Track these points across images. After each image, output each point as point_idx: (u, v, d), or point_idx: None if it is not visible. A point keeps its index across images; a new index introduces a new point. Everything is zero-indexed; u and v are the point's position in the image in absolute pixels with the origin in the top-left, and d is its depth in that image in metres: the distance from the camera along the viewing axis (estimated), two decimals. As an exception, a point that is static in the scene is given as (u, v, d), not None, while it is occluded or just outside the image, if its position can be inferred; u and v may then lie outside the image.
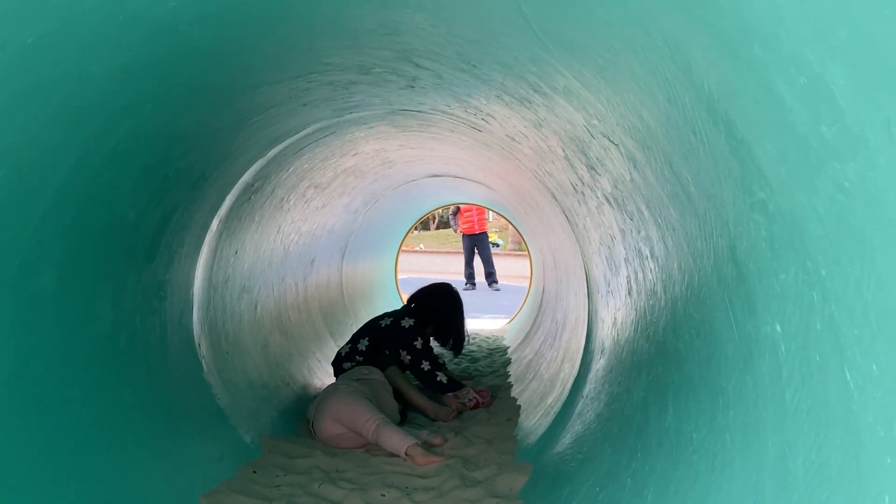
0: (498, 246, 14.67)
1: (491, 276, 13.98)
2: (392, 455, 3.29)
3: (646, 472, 1.82)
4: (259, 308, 4.19)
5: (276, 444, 3.32)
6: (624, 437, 2.13)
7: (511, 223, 8.96)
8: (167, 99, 2.15)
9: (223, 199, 3.21)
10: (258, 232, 3.92)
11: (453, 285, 4.85)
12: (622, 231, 2.28)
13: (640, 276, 2.17)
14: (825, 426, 1.01)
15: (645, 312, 2.15)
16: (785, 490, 1.11)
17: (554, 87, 1.95)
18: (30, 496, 1.81)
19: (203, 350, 3.26)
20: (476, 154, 4.35)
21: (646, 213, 1.89)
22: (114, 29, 1.66)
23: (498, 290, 13.70)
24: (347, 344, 4.38)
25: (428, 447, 3.34)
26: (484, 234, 13.92)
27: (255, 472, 2.96)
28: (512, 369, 5.38)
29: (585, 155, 2.25)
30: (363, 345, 4.29)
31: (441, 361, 4.59)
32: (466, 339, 4.88)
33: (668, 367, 1.85)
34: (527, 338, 6.20)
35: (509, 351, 6.35)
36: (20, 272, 1.88)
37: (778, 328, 1.14)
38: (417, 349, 4.30)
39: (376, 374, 3.97)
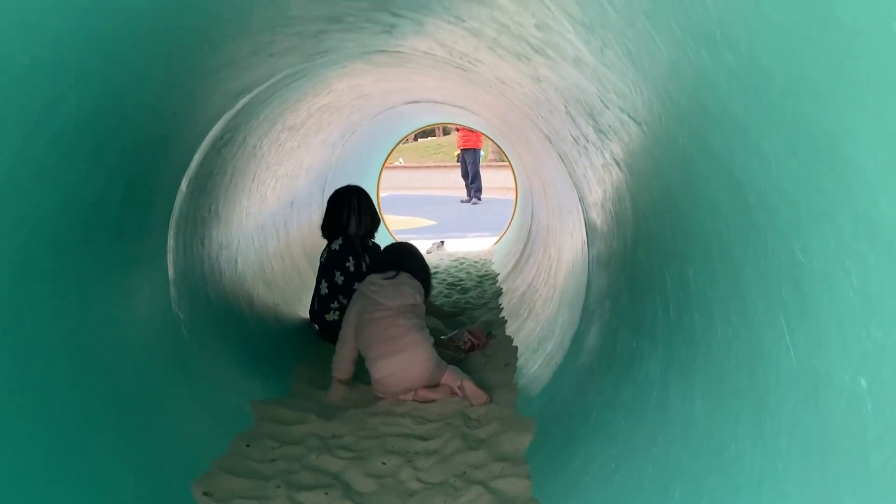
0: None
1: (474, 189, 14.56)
2: (387, 414, 3.21)
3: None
4: (239, 262, 4.00)
5: (267, 409, 3.19)
6: (636, 406, 2.02)
7: (493, 140, 8.68)
8: (116, 71, 1.89)
9: (191, 158, 2.96)
10: (232, 184, 3.68)
11: (355, 184, 4.73)
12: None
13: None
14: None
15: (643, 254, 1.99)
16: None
17: None
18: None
19: (183, 317, 3.09)
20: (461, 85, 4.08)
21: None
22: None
23: (478, 202, 14.28)
24: (313, 297, 4.40)
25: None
26: (473, 150, 14.37)
27: (247, 445, 2.84)
28: (504, 301, 5.28)
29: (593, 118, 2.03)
30: (324, 289, 4.30)
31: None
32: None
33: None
34: (517, 266, 6.08)
35: (499, 279, 6.24)
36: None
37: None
38: (350, 271, 4.29)
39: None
